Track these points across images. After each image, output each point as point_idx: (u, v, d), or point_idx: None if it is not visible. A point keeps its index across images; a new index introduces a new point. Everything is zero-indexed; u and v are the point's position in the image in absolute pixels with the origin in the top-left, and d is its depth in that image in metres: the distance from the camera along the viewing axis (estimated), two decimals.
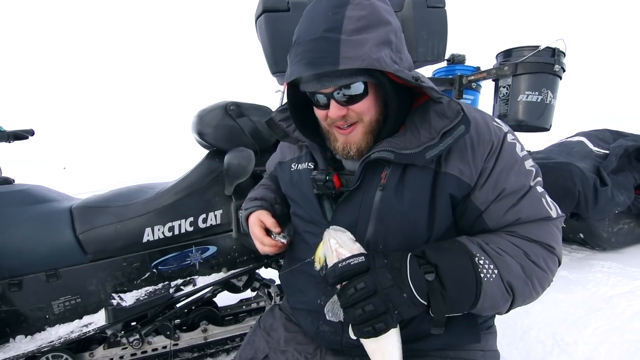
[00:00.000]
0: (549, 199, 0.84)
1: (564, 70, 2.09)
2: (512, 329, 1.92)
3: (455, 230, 0.86)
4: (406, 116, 0.86)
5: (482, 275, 0.72)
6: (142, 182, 1.74)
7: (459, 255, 0.74)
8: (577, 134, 3.26)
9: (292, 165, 1.03)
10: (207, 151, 1.63)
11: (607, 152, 2.85)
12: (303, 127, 0.94)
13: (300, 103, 0.91)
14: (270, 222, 0.98)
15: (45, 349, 1.33)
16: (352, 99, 0.79)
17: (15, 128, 1.75)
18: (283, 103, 0.99)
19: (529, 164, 0.84)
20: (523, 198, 0.81)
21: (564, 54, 2.07)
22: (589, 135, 3.14)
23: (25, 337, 1.38)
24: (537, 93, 2.04)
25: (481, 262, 0.73)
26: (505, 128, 0.87)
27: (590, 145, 2.95)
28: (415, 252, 0.76)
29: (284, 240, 0.96)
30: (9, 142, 1.73)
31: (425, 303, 0.70)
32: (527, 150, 0.88)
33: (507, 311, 0.79)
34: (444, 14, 2.00)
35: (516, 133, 0.88)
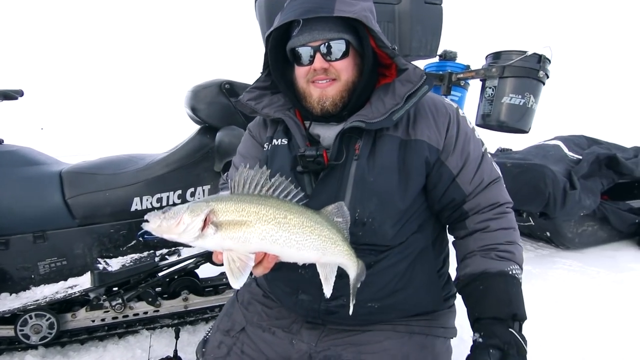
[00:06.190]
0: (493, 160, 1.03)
1: (548, 77, 2.18)
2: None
3: (424, 195, 0.99)
4: (371, 92, 0.97)
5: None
6: (127, 151, 1.76)
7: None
8: (555, 138, 3.39)
9: (266, 145, 1.06)
10: (198, 126, 1.66)
11: (580, 157, 2.98)
12: (282, 83, 1.01)
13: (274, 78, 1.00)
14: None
15: (30, 307, 1.37)
16: (335, 56, 0.91)
17: (3, 87, 1.73)
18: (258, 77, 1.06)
19: (478, 133, 1.02)
20: (482, 162, 0.98)
21: (549, 61, 2.15)
22: (565, 139, 3.27)
23: (10, 294, 1.42)
24: (520, 96, 2.12)
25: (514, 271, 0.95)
26: (455, 105, 1.02)
27: (566, 150, 3.09)
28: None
29: None
30: None
31: None
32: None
33: None
34: (440, 11, 2.04)
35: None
